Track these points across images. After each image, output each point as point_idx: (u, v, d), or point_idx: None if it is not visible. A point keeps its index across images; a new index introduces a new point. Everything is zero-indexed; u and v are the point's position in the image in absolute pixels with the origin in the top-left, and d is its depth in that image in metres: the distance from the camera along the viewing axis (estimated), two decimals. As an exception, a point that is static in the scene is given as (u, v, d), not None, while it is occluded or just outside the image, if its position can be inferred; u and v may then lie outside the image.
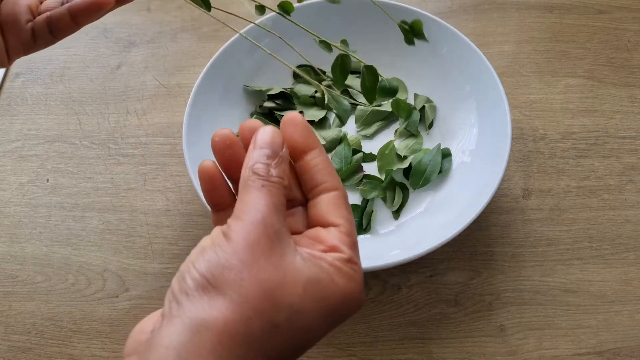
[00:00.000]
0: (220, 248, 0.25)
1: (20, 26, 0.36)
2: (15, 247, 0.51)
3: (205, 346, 0.23)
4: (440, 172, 0.50)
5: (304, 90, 0.55)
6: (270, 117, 0.54)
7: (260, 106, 0.55)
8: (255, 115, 0.53)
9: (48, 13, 0.36)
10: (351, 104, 0.55)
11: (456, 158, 0.51)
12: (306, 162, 0.30)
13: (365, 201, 0.49)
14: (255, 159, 0.28)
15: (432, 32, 0.53)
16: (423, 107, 0.53)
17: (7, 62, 0.37)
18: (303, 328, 0.26)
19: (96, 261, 0.50)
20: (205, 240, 0.26)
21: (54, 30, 0.36)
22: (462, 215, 0.44)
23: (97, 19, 0.36)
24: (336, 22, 0.55)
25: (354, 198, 0.50)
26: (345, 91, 0.56)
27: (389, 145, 0.52)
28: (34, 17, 0.37)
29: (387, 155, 0.51)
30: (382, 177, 0.51)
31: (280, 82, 0.55)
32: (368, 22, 0.55)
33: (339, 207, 0.29)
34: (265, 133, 0.29)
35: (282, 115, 0.53)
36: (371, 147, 0.53)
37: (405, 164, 0.50)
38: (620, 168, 0.53)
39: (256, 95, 0.55)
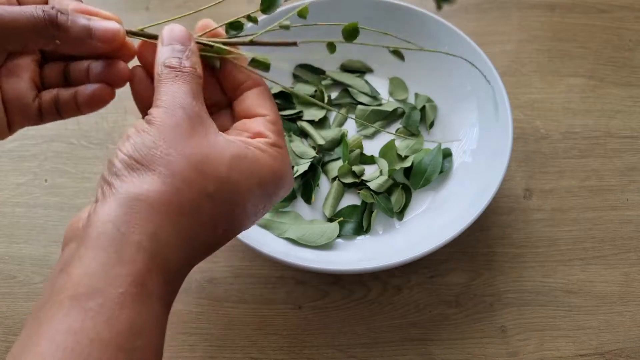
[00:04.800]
0: (144, 132, 0.26)
1: (27, 104, 0.32)
2: (13, 247, 0.51)
3: (141, 216, 0.24)
4: (441, 172, 0.50)
5: (304, 90, 0.55)
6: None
7: (260, 106, 0.54)
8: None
9: (55, 92, 0.33)
10: (351, 104, 0.55)
11: (457, 158, 0.51)
12: (228, 67, 0.32)
13: (365, 203, 0.49)
14: (166, 54, 0.29)
15: (433, 31, 0.53)
16: (424, 106, 0.53)
17: (7, 134, 0.33)
18: (234, 198, 0.27)
19: (95, 262, 0.49)
20: (130, 129, 0.27)
21: (61, 111, 0.33)
22: (463, 216, 0.44)
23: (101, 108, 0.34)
24: (336, 21, 0.55)
25: (354, 199, 0.50)
26: (345, 91, 0.55)
27: (390, 144, 0.51)
28: (39, 91, 0.33)
29: (389, 154, 0.51)
30: (386, 176, 0.50)
31: (279, 82, 0.55)
32: (368, 21, 0.55)
33: (264, 99, 0.31)
34: (172, 30, 0.30)
35: (282, 115, 0.53)
36: (371, 146, 0.53)
37: (408, 164, 0.50)
38: (622, 168, 0.52)
39: (256, 95, 0.55)
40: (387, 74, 0.56)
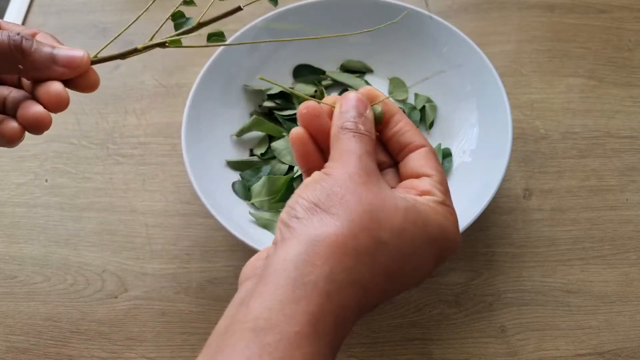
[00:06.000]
0: (323, 181, 0.28)
1: None
2: (13, 247, 0.51)
3: (319, 257, 0.25)
4: (440, 172, 0.50)
5: (304, 90, 0.55)
6: (270, 116, 0.54)
7: (260, 106, 0.55)
8: (254, 115, 0.53)
9: None
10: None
11: (457, 158, 0.51)
12: (391, 129, 0.32)
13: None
14: (344, 119, 0.31)
15: (433, 31, 0.53)
16: (423, 106, 0.53)
17: None
18: (407, 250, 0.28)
19: (95, 262, 0.50)
20: (307, 180, 0.29)
21: None
22: (463, 216, 0.44)
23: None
24: (336, 22, 0.55)
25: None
26: (345, 91, 0.55)
27: None
28: None
29: None
30: None
31: (279, 82, 0.55)
32: (368, 21, 0.55)
33: (429, 160, 0.31)
34: (350, 99, 0.32)
35: (282, 115, 0.53)
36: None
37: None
38: (621, 168, 0.52)
39: (256, 95, 0.55)
40: (387, 73, 0.56)
